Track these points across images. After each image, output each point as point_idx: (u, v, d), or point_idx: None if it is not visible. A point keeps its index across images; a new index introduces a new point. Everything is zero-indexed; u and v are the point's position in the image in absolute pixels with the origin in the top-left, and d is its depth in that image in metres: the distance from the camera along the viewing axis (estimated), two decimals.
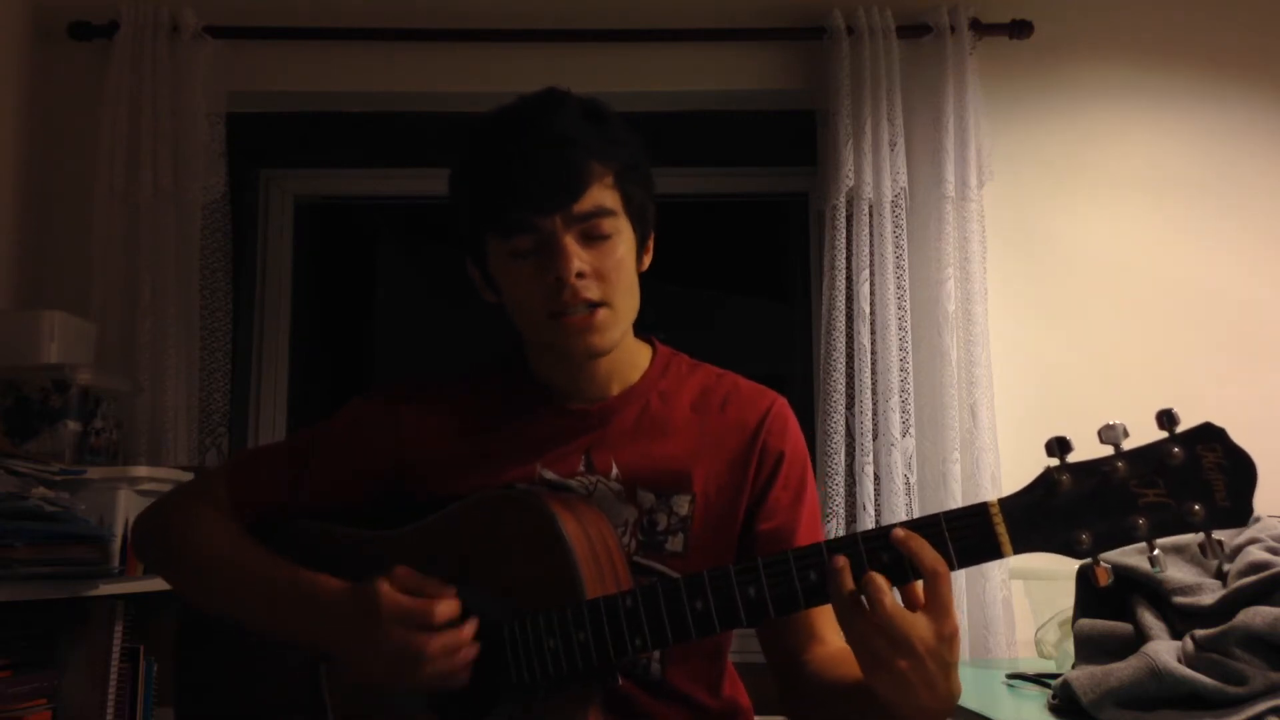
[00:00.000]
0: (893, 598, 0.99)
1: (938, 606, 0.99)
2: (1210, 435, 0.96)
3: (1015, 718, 1.55)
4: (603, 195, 1.19)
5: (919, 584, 1.00)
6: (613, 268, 1.19)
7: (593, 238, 1.18)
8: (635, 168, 1.23)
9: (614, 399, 1.27)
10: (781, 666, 1.29)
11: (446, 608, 1.08)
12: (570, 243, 1.16)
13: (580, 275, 1.16)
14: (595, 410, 1.27)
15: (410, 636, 1.06)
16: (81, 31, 2.44)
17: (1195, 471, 0.96)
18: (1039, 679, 1.70)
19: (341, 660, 1.16)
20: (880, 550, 1.01)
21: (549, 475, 1.23)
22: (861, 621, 0.99)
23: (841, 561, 1.00)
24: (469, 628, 1.08)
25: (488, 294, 1.28)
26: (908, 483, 2.32)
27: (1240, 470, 0.95)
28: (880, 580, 0.98)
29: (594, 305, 1.18)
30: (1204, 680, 1.32)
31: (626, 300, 1.22)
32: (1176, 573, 1.49)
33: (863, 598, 0.99)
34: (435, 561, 1.15)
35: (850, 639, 1.01)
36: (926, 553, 0.99)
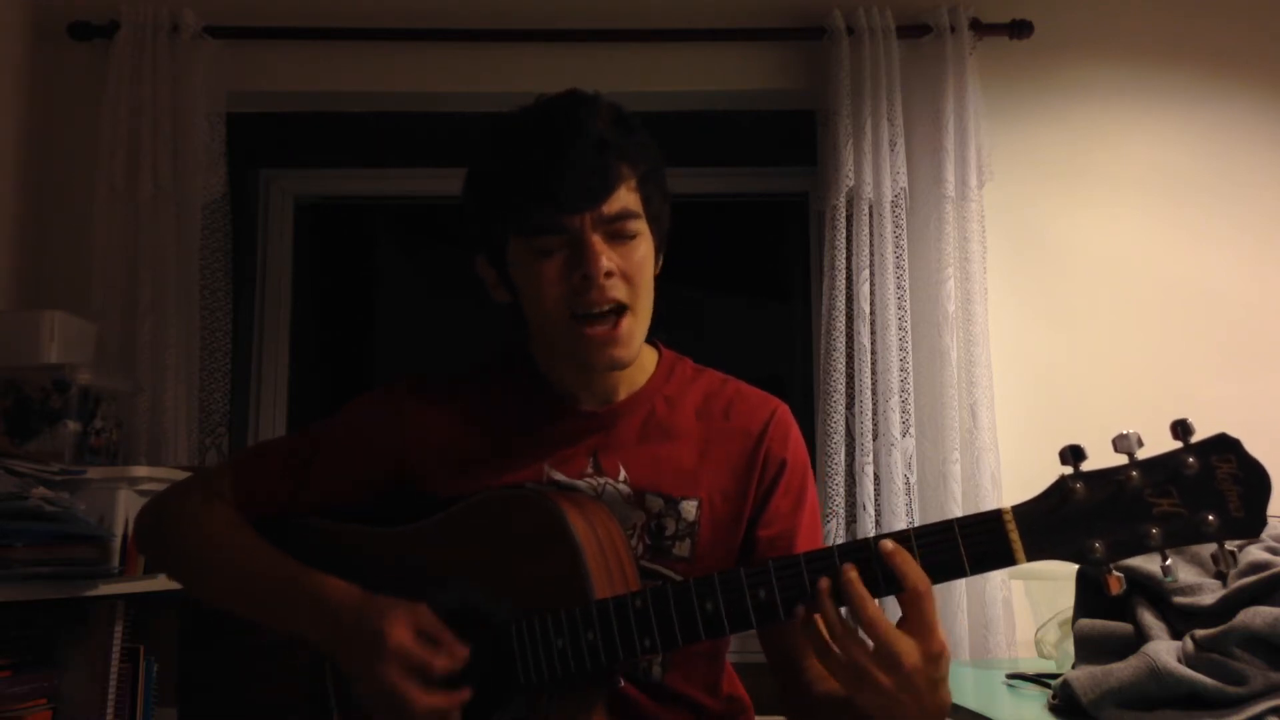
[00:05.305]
0: (876, 606, 0.99)
1: (921, 625, 0.99)
2: (1225, 446, 0.96)
3: (1015, 718, 1.55)
4: (629, 198, 1.18)
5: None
6: (637, 268, 1.19)
7: (619, 237, 1.18)
8: (657, 171, 1.23)
9: (621, 403, 1.27)
10: (782, 669, 1.29)
11: (446, 664, 1.07)
12: (598, 242, 1.16)
13: (609, 275, 1.15)
14: (603, 412, 1.26)
15: (404, 683, 1.06)
16: (81, 31, 2.44)
17: (1209, 482, 0.95)
18: (1039, 679, 1.70)
19: (340, 665, 1.16)
20: (872, 563, 1.00)
21: (557, 476, 1.23)
22: (843, 633, 0.99)
23: (824, 583, 1.00)
24: (459, 696, 1.07)
25: (500, 294, 1.27)
26: (908, 483, 2.32)
27: (1254, 481, 0.95)
28: (859, 585, 0.99)
29: (618, 311, 1.17)
30: (1204, 680, 1.32)
31: (647, 304, 1.22)
32: (1177, 572, 1.48)
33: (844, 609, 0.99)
34: (441, 559, 1.15)
35: (831, 659, 1.01)
36: (911, 568, 0.99)
